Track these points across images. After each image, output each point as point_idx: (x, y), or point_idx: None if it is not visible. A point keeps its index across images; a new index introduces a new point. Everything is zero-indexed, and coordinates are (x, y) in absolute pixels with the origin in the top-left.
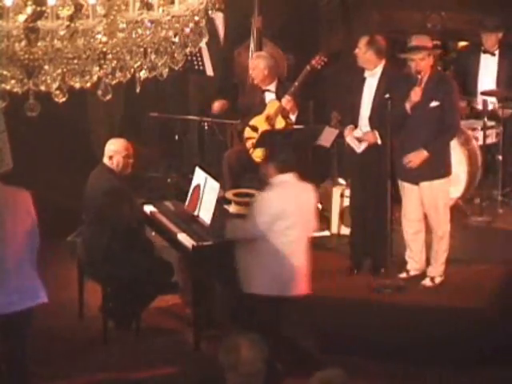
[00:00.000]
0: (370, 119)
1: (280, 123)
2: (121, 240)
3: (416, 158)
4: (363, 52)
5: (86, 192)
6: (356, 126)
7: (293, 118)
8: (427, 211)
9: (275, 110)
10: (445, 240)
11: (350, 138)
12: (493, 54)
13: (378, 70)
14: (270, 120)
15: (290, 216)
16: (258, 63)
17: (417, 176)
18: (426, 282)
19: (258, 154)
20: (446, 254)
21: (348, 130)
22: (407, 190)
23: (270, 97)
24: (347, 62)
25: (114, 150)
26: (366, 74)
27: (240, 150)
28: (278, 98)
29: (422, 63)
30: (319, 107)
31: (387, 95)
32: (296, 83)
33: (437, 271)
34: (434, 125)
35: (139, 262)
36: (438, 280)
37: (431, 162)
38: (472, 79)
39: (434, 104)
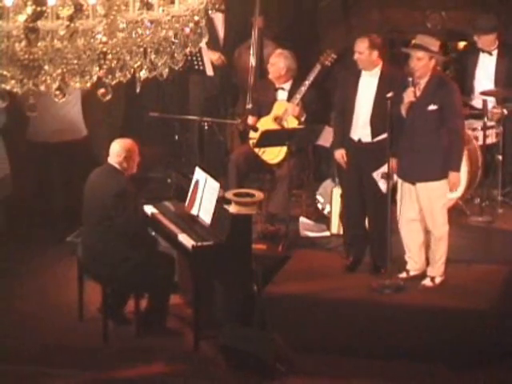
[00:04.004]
0: (372, 121)
1: (292, 122)
2: (124, 240)
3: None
4: (367, 54)
5: (90, 192)
6: (350, 126)
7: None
8: (424, 212)
9: (284, 110)
10: (443, 241)
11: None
12: (490, 54)
13: (378, 70)
14: (279, 120)
15: None
16: (278, 61)
17: (414, 176)
18: (426, 282)
19: (270, 156)
20: (445, 255)
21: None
22: (405, 188)
23: (282, 95)
24: (347, 61)
25: (121, 151)
26: (364, 73)
27: (247, 151)
28: (290, 96)
29: (419, 63)
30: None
31: (389, 94)
32: (306, 82)
33: (437, 271)
34: (433, 128)
35: (140, 262)
36: (438, 280)
37: (428, 164)
38: (471, 79)
39: (432, 107)
